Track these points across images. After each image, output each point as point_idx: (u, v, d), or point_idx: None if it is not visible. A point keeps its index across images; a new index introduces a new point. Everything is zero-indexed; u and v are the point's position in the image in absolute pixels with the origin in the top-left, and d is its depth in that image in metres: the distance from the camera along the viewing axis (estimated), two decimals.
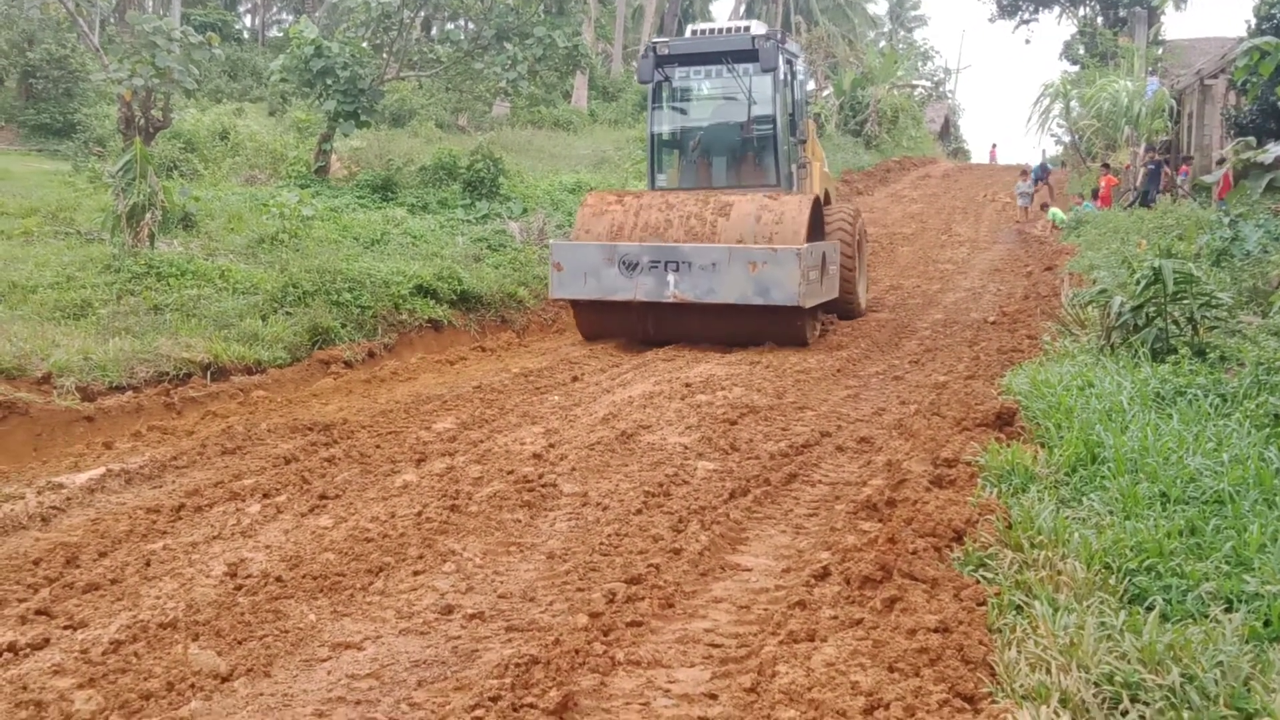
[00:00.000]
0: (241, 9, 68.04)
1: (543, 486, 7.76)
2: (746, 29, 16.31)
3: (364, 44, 23.59)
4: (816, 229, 15.47)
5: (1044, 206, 33.17)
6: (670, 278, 14.07)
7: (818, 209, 15.56)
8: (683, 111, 16.85)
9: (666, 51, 16.17)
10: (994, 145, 42.04)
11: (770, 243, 14.05)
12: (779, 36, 15.88)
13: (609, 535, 6.75)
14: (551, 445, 9.00)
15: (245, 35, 60.80)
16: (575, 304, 15.18)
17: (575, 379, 12.21)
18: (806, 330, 14.60)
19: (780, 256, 13.68)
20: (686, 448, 8.99)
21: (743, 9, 65.49)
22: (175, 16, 37.69)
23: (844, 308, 17.23)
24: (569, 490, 7.78)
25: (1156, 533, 5.68)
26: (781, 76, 15.84)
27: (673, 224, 14.66)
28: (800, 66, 17.15)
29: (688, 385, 11.67)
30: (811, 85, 56.39)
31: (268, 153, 25.58)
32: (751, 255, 13.80)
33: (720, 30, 16.80)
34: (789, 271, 13.62)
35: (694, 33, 17.09)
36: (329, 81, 22.11)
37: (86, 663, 4.99)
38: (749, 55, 15.69)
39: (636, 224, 14.84)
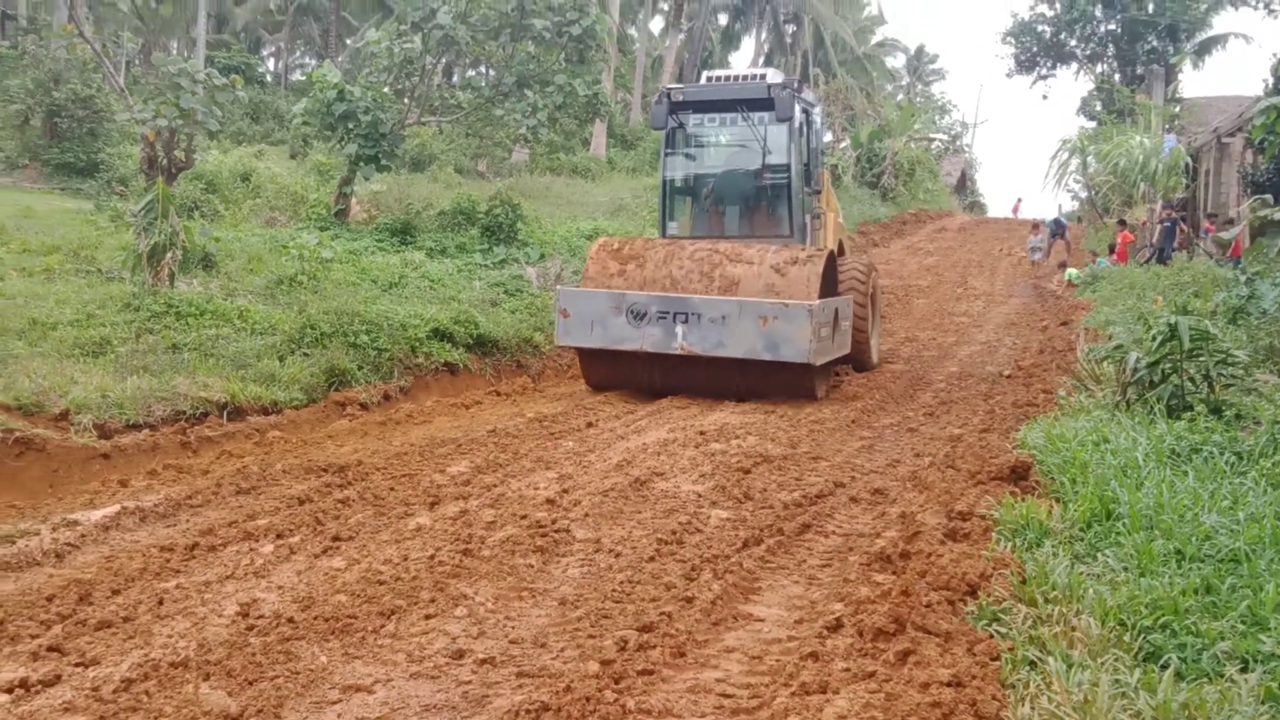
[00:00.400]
0: (265, 52, 68.74)
1: (556, 532, 7.76)
2: (762, 77, 16.14)
3: (386, 89, 23.78)
4: (830, 283, 15.25)
5: (1062, 265, 33.20)
6: (679, 329, 13.83)
7: (831, 264, 15.38)
8: (696, 159, 16.70)
9: (681, 98, 16.05)
10: (1019, 200, 42.19)
11: (782, 297, 13.83)
12: (795, 85, 15.70)
13: (621, 582, 6.73)
14: (565, 491, 9.00)
15: (268, 78, 61.36)
16: (581, 352, 14.99)
17: (590, 425, 12.22)
18: (817, 387, 14.39)
19: (792, 312, 13.43)
20: (700, 496, 8.99)
21: (761, 60, 65.95)
22: (200, 59, 38.09)
23: (856, 361, 17.02)
24: (582, 536, 7.78)
25: (1171, 590, 5.67)
26: (797, 125, 15.64)
27: (683, 274, 14.48)
28: (816, 116, 16.96)
29: (702, 433, 11.68)
30: (829, 136, 56.67)
31: (288, 195, 25.76)
32: (763, 310, 13.55)
33: (736, 78, 16.61)
34: (800, 328, 13.37)
35: (709, 79, 16.91)
36: (350, 125, 22.28)
37: (97, 700, 4.99)
38: (764, 104, 15.47)
39: (645, 273, 14.69)
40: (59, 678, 5.25)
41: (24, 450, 9.45)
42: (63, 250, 16.86)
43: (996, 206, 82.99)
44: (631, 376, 14.77)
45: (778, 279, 14.05)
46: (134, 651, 5.56)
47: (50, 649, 5.58)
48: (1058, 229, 35.95)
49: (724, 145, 16.73)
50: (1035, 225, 33.42)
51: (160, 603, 6.26)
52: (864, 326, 16.85)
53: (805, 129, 16.09)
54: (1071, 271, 30.81)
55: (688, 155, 16.59)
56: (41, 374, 10.84)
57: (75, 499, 8.95)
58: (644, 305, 13.99)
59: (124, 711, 4.88)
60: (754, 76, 16.35)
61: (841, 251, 17.90)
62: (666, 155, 16.48)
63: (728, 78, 16.68)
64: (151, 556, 7.14)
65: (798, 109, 15.57)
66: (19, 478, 9.31)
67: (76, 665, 5.41)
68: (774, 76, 16.01)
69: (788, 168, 15.70)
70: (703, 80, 17.08)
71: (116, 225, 19.35)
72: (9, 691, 5.10)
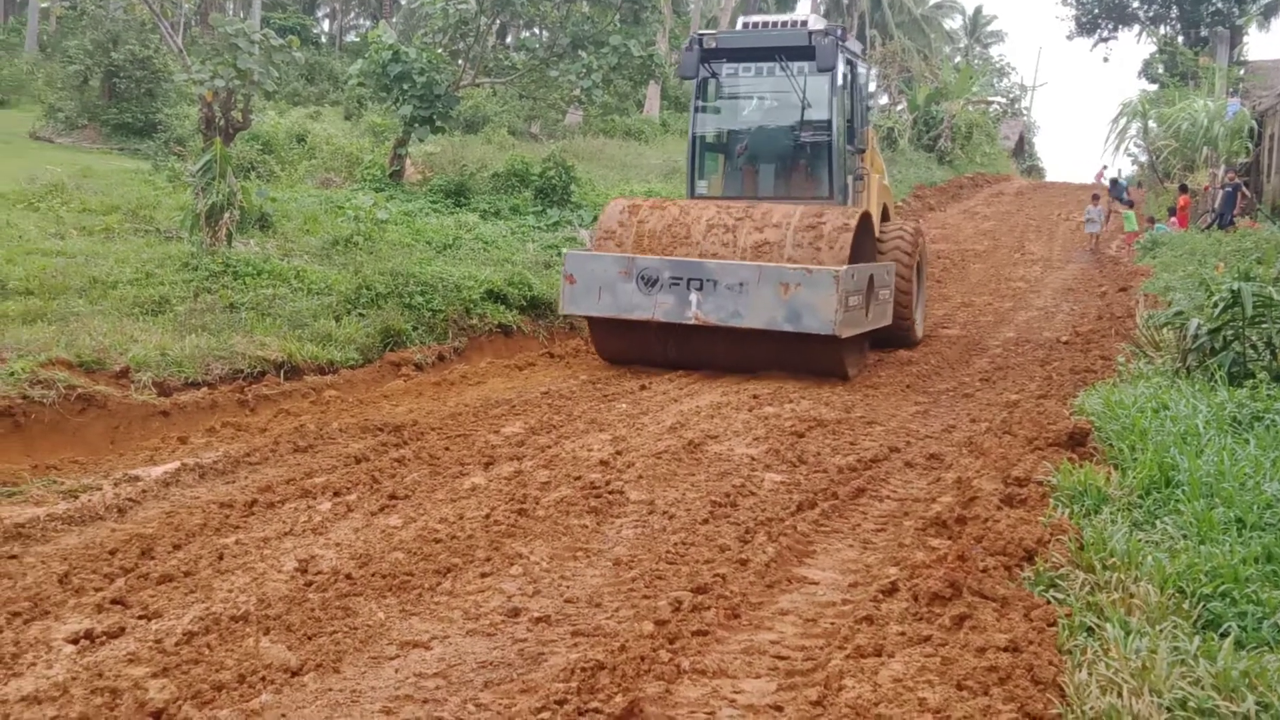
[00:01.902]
0: (320, 13, 68.95)
1: (610, 493, 7.78)
2: (803, 23, 14.77)
3: (440, 50, 23.78)
4: (864, 248, 14.15)
5: (1130, 204, 32.80)
6: (693, 297, 12.68)
7: (866, 225, 14.21)
8: (729, 112, 15.43)
9: (714, 45, 14.71)
10: (1104, 167, 41.23)
11: (808, 261, 12.70)
12: (839, 33, 14.33)
13: (675, 544, 6.75)
14: (619, 453, 9.02)
15: (323, 40, 61.57)
16: (591, 322, 13.95)
17: (643, 387, 12.22)
18: (846, 363, 13.12)
19: (816, 278, 12.22)
20: (754, 459, 8.99)
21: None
22: (256, 19, 38.25)
23: (898, 335, 15.78)
24: (636, 498, 7.80)
25: (1232, 558, 5.60)
26: (840, 77, 14.37)
27: (701, 236, 13.32)
28: (862, 68, 15.77)
29: (755, 396, 11.67)
30: (885, 99, 56.18)
31: (343, 156, 25.87)
32: (784, 275, 12.35)
33: (774, 24, 15.14)
34: (825, 296, 12.15)
35: (745, 25, 15.55)
36: (405, 87, 22.32)
37: (160, 652, 5.07)
38: (804, 52, 14.17)
39: (662, 235, 13.52)
40: (123, 630, 5.34)
41: (86, 407, 9.58)
42: (122, 210, 17.04)
43: (1055, 170, 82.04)
44: (644, 349, 13.72)
45: (804, 242, 12.90)
46: (195, 605, 5.64)
47: (114, 601, 5.67)
48: (1119, 193, 35.37)
49: (760, 97, 15.45)
50: (1095, 195, 32.83)
51: (220, 558, 6.34)
52: (906, 298, 15.69)
53: (849, 81, 14.93)
54: (1130, 215, 30.55)
55: (720, 108, 15.46)
56: (102, 332, 10.97)
57: (136, 455, 9.08)
58: (655, 270, 12.88)
59: (186, 664, 4.95)
60: (794, 23, 15.00)
61: (887, 216, 16.92)
62: (697, 108, 15.27)
63: (765, 24, 15.28)
64: (211, 512, 7.23)
65: (841, 59, 14.34)
66: (81, 434, 9.45)
67: (139, 618, 5.49)
68: (816, 23, 14.84)
69: (829, 123, 14.44)
70: (739, 26, 15.83)
71: (174, 185, 19.53)
72: (75, 643, 5.19)
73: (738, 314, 12.55)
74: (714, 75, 15.00)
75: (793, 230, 13.00)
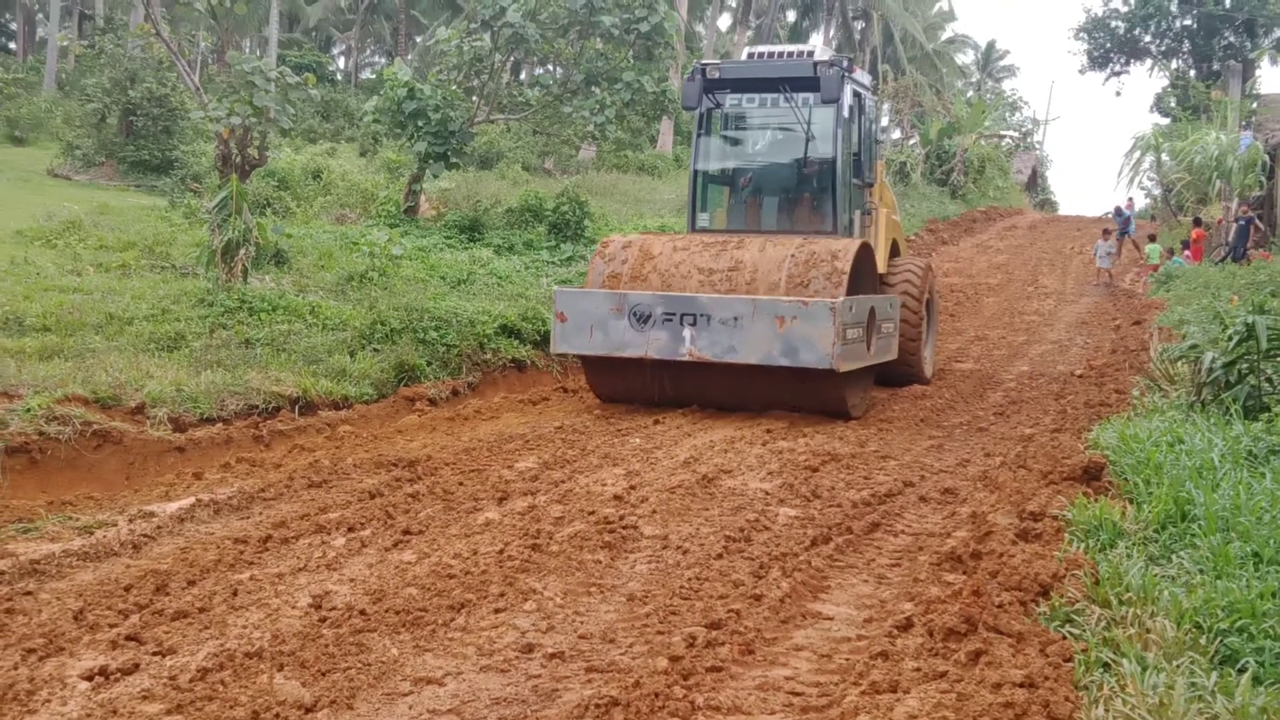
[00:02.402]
0: (335, 51, 69.48)
1: (624, 528, 7.78)
2: (809, 54, 14.40)
3: (455, 87, 23.93)
4: (865, 280, 13.73)
5: (1152, 237, 32.73)
6: (686, 333, 12.36)
7: (867, 256, 13.75)
8: (732, 144, 15.14)
9: (717, 75, 14.39)
10: (1130, 199, 41.04)
11: (805, 294, 12.32)
12: (845, 64, 14.08)
13: (689, 579, 6.74)
14: (633, 487, 9.02)
15: (339, 77, 62.00)
16: (585, 360, 13.56)
17: (656, 422, 12.23)
18: (848, 398, 12.75)
19: (812, 310, 11.87)
20: (768, 493, 8.97)
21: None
22: (272, 57, 38.54)
23: (906, 373, 15.44)
24: (650, 533, 7.79)
25: (1249, 593, 5.57)
26: (846, 109, 14.03)
27: (697, 271, 12.96)
28: (870, 100, 15.39)
29: (769, 431, 11.67)
30: (898, 134, 56.29)
31: (359, 192, 26.01)
32: (778, 308, 12.01)
33: (779, 54, 14.73)
34: (821, 328, 11.82)
35: (750, 56, 15.22)
36: (420, 123, 22.45)
37: (175, 689, 5.07)
38: (809, 84, 13.82)
39: (656, 271, 13.16)
40: (137, 666, 5.34)
41: (101, 443, 9.62)
42: (138, 246, 17.14)
43: (1068, 204, 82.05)
44: (639, 387, 13.41)
45: (799, 275, 12.54)
46: (209, 641, 5.64)
47: (128, 638, 5.67)
48: (1124, 226, 35.08)
49: (763, 129, 15.17)
50: (1106, 230, 32.65)
51: (235, 594, 6.35)
52: (915, 334, 15.34)
53: (856, 113, 14.62)
54: (1154, 248, 30.52)
55: (723, 140, 15.12)
56: (118, 368, 11.02)
57: (151, 491, 9.10)
58: (648, 306, 12.55)
59: (200, 700, 4.95)
60: (799, 53, 14.58)
61: (897, 252, 16.58)
62: (699, 139, 14.84)
63: (770, 54, 14.85)
64: (226, 548, 7.24)
65: (848, 90, 14.08)
66: (97, 470, 9.48)
67: (154, 654, 5.49)
68: (822, 53, 14.49)
69: (833, 156, 14.11)
70: (743, 56, 15.57)
71: (191, 222, 19.65)
72: (89, 679, 5.20)
73: (733, 349, 12.24)
74: (718, 106, 14.71)
75: (789, 263, 12.68)
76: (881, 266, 15.05)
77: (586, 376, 13.82)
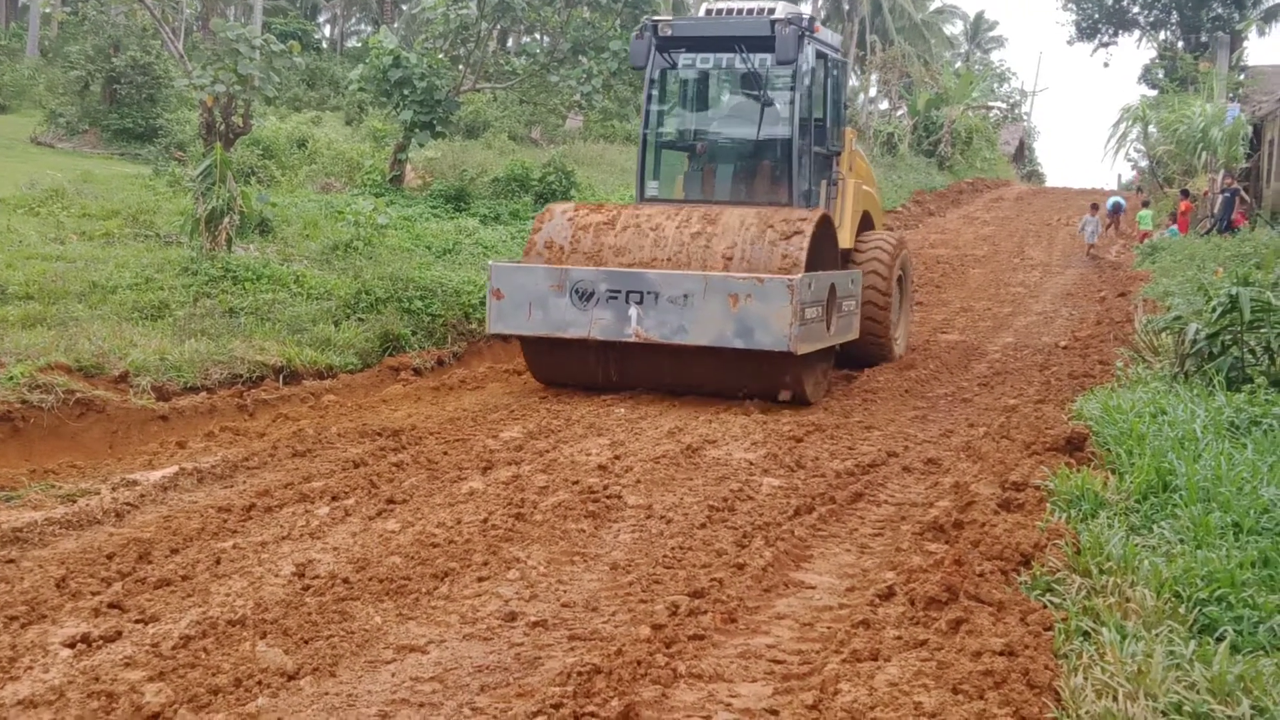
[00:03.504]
0: (321, 18, 69.03)
1: (607, 498, 7.79)
2: (770, 11, 13.08)
3: (441, 55, 23.81)
4: (826, 255, 12.71)
5: (1145, 204, 32.84)
6: (633, 311, 11.43)
7: (828, 229, 12.80)
8: (685, 107, 14.10)
9: (669, 33, 13.25)
10: (1130, 192, 40.61)
11: (760, 270, 11.51)
12: (806, 23, 12.98)
13: (672, 548, 6.76)
14: (617, 457, 9.04)
15: (324, 45, 61.63)
16: (523, 341, 12.46)
17: (642, 392, 12.23)
18: (805, 382, 11.80)
19: (768, 289, 11.03)
20: (751, 464, 9.00)
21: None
22: (257, 24, 38.29)
23: (872, 354, 14.50)
24: (633, 502, 7.81)
25: (1228, 563, 5.61)
26: (805, 70, 12.99)
27: (644, 245, 12.08)
28: (837, 60, 14.22)
29: (754, 401, 11.67)
30: (885, 104, 56.18)
31: (344, 161, 25.91)
32: (732, 286, 11.16)
33: (736, 11, 13.44)
34: (778, 308, 10.98)
35: (708, 13, 14.19)
36: (406, 92, 22.33)
37: (157, 656, 5.08)
38: (766, 43, 12.69)
39: (600, 243, 12.23)
40: (120, 633, 5.35)
41: (84, 411, 9.59)
42: (122, 215, 17.06)
43: (1056, 175, 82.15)
44: (582, 370, 12.37)
45: (755, 249, 11.70)
46: (192, 609, 5.65)
47: (111, 605, 5.68)
48: (1115, 211, 35.08)
49: (718, 92, 14.32)
50: (1094, 205, 32.59)
51: (218, 562, 6.35)
52: (883, 314, 14.39)
53: (823, 76, 13.70)
54: (1145, 214, 30.64)
55: (675, 103, 14.12)
56: (101, 336, 10.98)
57: (134, 460, 9.09)
58: (591, 283, 11.62)
59: (183, 667, 4.96)
60: (758, 10, 13.26)
61: (870, 225, 15.60)
62: (650, 103, 13.69)
63: (730, 11, 13.55)
64: (209, 517, 7.24)
65: (811, 51, 13.13)
66: (80, 438, 9.46)
67: (136, 622, 5.50)
68: (784, 10, 13.15)
69: (791, 121, 13.09)
70: (701, 12, 14.49)
71: (175, 190, 19.56)
72: (71, 646, 5.20)
73: (683, 329, 11.34)
74: (672, 66, 13.63)
75: (743, 236, 11.83)
76: (848, 240, 14.30)
77: (525, 358, 12.77)
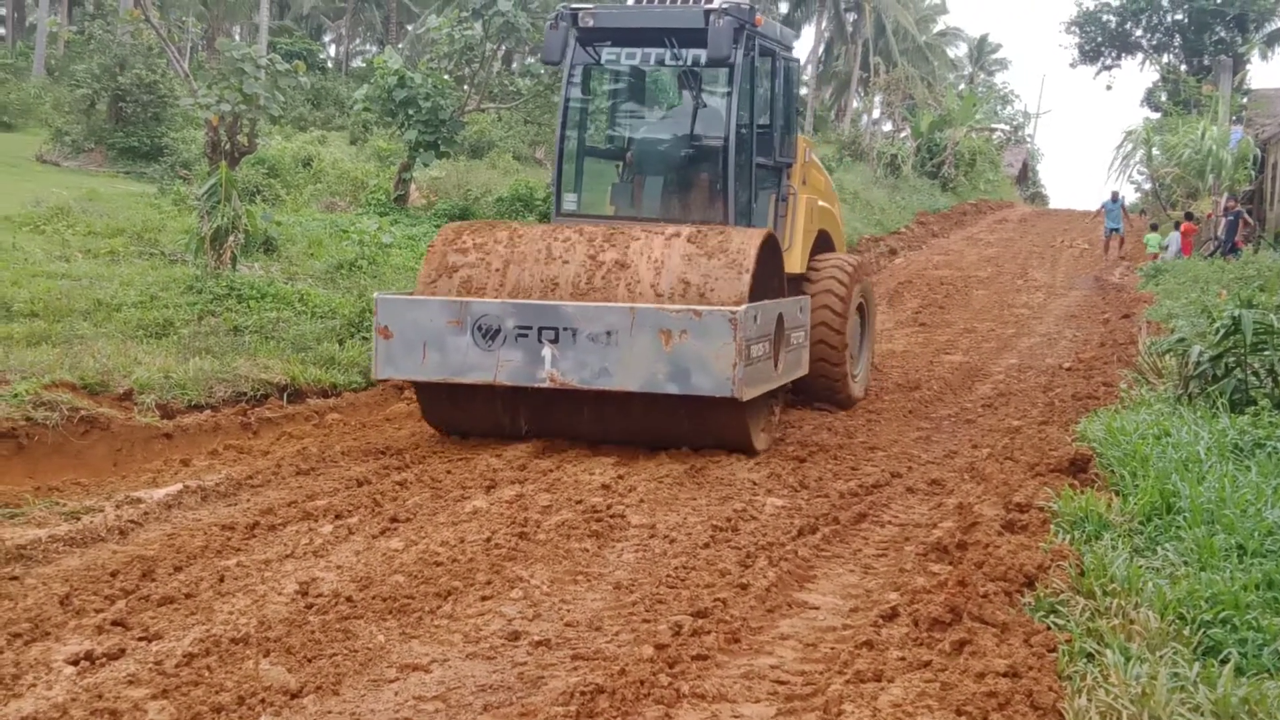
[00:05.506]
0: (326, 39, 69.30)
1: (611, 517, 7.79)
2: (707, 1, 11.07)
3: (446, 76, 23.88)
4: (772, 279, 10.87)
5: (1154, 227, 32.87)
6: (546, 352, 9.60)
7: (773, 252, 10.92)
8: (610, 110, 12.58)
9: (590, 23, 11.29)
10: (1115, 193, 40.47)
11: (695, 300, 9.67)
12: (746, 14, 11.09)
13: (676, 568, 6.76)
14: (620, 476, 9.03)
15: (329, 64, 61.85)
16: (417, 387, 10.66)
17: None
18: (751, 430, 10.03)
19: (707, 322, 9.29)
20: (755, 483, 8.99)
21: (821, 49, 65.62)
22: (262, 44, 38.46)
23: (823, 393, 12.65)
24: (637, 522, 7.80)
25: (1233, 585, 5.60)
26: (743, 70, 11.21)
27: (561, 272, 10.13)
28: (787, 63, 12.36)
29: None
30: (889, 125, 56.26)
31: (349, 180, 25.97)
32: (664, 320, 9.37)
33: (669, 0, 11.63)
34: (719, 345, 9.24)
35: (636, 1, 12.50)
36: (411, 112, 22.39)
37: (160, 674, 5.08)
38: (698, 37, 10.88)
39: (507, 272, 10.25)
40: (123, 651, 5.35)
41: (89, 429, 9.60)
42: (127, 233, 17.09)
43: (1059, 198, 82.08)
44: (487, 421, 10.45)
45: (689, 276, 9.85)
46: (196, 627, 5.65)
47: (114, 623, 5.68)
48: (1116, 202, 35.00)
49: (650, 92, 12.76)
50: (1114, 193, 32.92)
51: (221, 580, 6.35)
52: (837, 349, 12.46)
53: (767, 78, 11.94)
54: (1152, 236, 30.71)
55: (597, 104, 12.55)
56: (106, 354, 10.99)
57: (138, 477, 9.10)
58: (496, 318, 9.73)
59: (186, 685, 4.96)
60: (695, 1, 11.34)
61: (829, 246, 13.62)
62: (568, 104, 11.79)
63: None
64: (213, 535, 7.25)
65: (755, 49, 11.44)
66: (84, 456, 9.46)
67: (140, 639, 5.50)
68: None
69: (726, 127, 11.28)
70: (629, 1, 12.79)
71: (180, 209, 19.59)
72: (75, 664, 5.20)
73: (606, 373, 9.55)
74: (597, 62, 11.87)
75: (676, 260, 9.98)
76: (799, 264, 12.50)
77: (420, 404, 10.83)
